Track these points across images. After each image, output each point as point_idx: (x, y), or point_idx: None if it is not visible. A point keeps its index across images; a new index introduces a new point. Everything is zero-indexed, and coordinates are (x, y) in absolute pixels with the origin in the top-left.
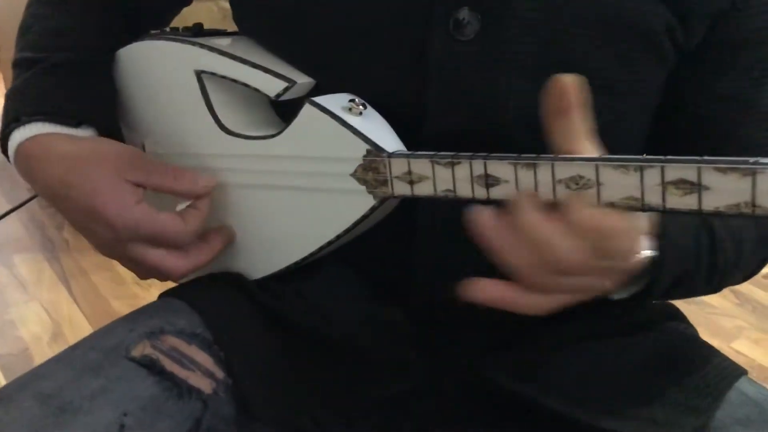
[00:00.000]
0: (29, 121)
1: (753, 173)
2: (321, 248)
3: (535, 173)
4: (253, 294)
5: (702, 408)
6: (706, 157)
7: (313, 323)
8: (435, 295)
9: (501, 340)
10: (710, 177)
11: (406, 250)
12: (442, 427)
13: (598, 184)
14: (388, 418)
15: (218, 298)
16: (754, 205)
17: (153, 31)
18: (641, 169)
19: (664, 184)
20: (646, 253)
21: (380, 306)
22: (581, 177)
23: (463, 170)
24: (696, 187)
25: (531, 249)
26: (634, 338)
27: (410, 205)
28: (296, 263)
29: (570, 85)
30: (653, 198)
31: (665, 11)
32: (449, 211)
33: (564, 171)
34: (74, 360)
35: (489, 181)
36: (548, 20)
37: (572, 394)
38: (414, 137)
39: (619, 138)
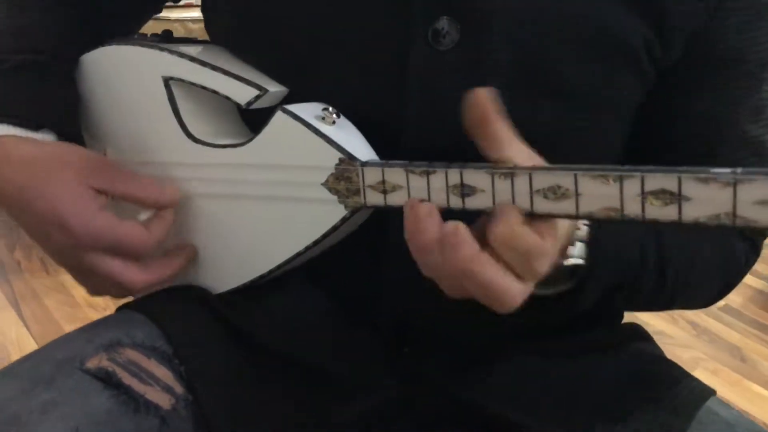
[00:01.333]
0: None
1: (734, 183)
2: (288, 260)
3: (512, 183)
4: (217, 308)
5: (674, 426)
6: (687, 167)
7: (279, 340)
8: (404, 313)
9: (470, 359)
10: (691, 187)
11: (376, 267)
12: None
13: (577, 194)
14: None
15: (179, 312)
16: (734, 216)
17: (119, 37)
18: (621, 179)
19: (644, 194)
20: (575, 260)
21: (348, 324)
22: (559, 187)
23: (438, 180)
24: (676, 197)
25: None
26: (604, 357)
27: (382, 220)
28: (262, 276)
29: (486, 97)
30: (633, 208)
31: (643, 27)
32: None
33: (542, 181)
34: (24, 372)
35: (465, 190)
36: (527, 32)
37: (544, 413)
38: (392, 148)
39: (597, 150)
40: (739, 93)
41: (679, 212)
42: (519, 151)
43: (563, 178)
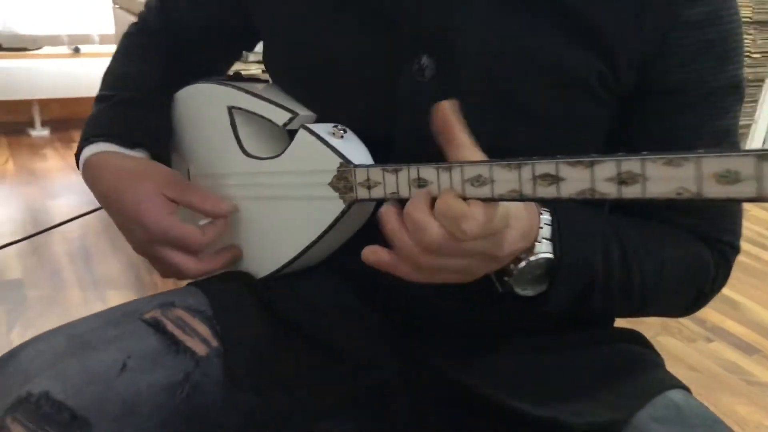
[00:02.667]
0: (96, 141)
1: (591, 164)
2: (308, 248)
3: (450, 175)
4: (255, 287)
5: (626, 407)
6: (563, 156)
7: (300, 317)
8: (409, 301)
9: (468, 347)
10: (566, 170)
11: None
12: (409, 424)
13: (492, 181)
14: (358, 407)
15: (223, 288)
16: (593, 190)
17: (204, 77)
18: (519, 167)
19: (534, 178)
20: (543, 255)
21: (361, 308)
22: (480, 176)
23: (403, 176)
24: (555, 178)
25: (410, 232)
26: (589, 352)
27: None
28: (290, 262)
29: (448, 108)
30: (528, 189)
31: (596, 61)
32: None
33: (469, 172)
34: (104, 316)
35: (420, 182)
36: (494, 66)
37: (526, 394)
38: (387, 156)
39: None
40: (696, 119)
41: (558, 190)
42: (472, 153)
43: (483, 169)
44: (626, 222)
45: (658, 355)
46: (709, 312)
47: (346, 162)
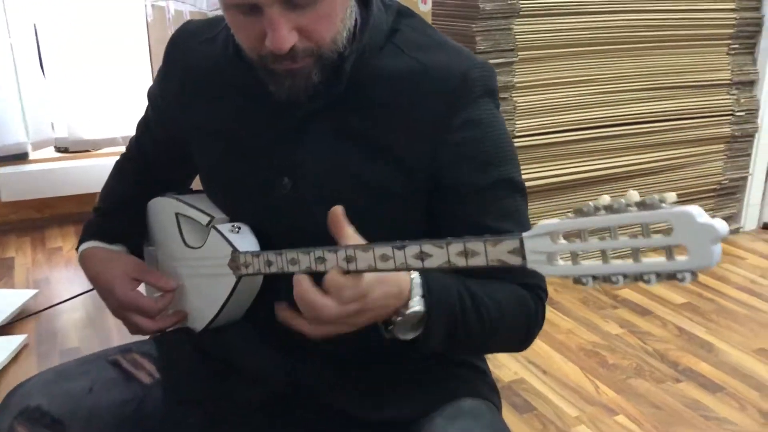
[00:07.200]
0: (87, 240)
1: (402, 248)
2: (220, 310)
3: (310, 258)
4: (192, 336)
5: (424, 409)
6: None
7: (219, 348)
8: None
9: (340, 373)
10: (389, 251)
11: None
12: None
13: (356, 259)
14: (252, 417)
15: (169, 338)
16: (405, 264)
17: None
18: (373, 249)
19: (375, 258)
20: (416, 308)
21: (261, 343)
22: (351, 255)
23: (263, 258)
24: (387, 257)
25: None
26: (428, 375)
27: (272, 287)
28: (211, 321)
29: (337, 212)
30: (380, 263)
31: (398, 174)
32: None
33: (341, 255)
34: (81, 359)
35: (271, 266)
36: (331, 181)
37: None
38: (269, 246)
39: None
40: (475, 208)
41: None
42: (355, 240)
43: (351, 251)
44: (467, 277)
45: (486, 380)
46: (683, 355)
47: (235, 250)
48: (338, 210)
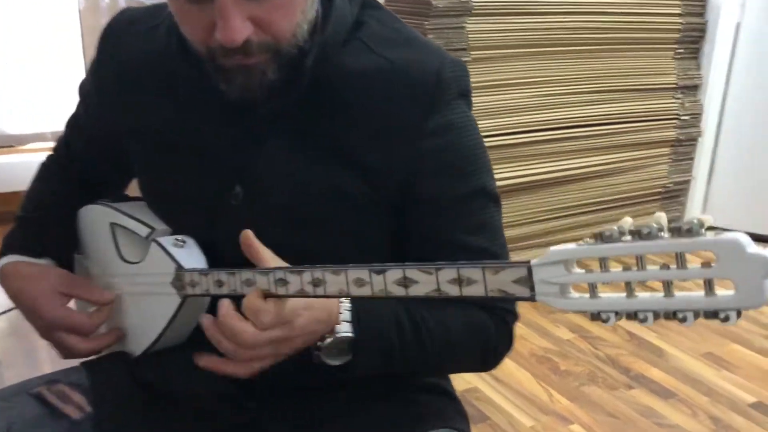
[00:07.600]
0: (8, 253)
1: (345, 270)
2: (162, 333)
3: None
4: (127, 363)
5: None
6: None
7: (158, 378)
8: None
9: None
10: (327, 276)
11: None
12: None
13: (287, 282)
14: None
15: (101, 366)
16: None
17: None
18: (346, 272)
19: (302, 282)
20: (343, 333)
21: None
22: (282, 279)
23: (213, 277)
24: (320, 281)
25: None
26: (389, 402)
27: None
28: (152, 345)
29: (248, 235)
30: (307, 288)
31: (361, 185)
32: None
33: (272, 276)
34: (2, 391)
35: (222, 286)
36: (285, 191)
37: None
38: (215, 261)
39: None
40: (449, 221)
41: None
42: (272, 260)
43: (283, 274)
44: (418, 303)
45: (456, 407)
46: (635, 361)
47: (179, 267)
48: (248, 233)
